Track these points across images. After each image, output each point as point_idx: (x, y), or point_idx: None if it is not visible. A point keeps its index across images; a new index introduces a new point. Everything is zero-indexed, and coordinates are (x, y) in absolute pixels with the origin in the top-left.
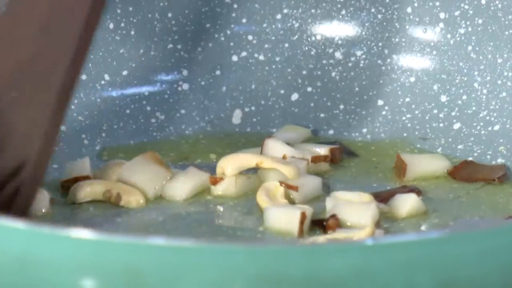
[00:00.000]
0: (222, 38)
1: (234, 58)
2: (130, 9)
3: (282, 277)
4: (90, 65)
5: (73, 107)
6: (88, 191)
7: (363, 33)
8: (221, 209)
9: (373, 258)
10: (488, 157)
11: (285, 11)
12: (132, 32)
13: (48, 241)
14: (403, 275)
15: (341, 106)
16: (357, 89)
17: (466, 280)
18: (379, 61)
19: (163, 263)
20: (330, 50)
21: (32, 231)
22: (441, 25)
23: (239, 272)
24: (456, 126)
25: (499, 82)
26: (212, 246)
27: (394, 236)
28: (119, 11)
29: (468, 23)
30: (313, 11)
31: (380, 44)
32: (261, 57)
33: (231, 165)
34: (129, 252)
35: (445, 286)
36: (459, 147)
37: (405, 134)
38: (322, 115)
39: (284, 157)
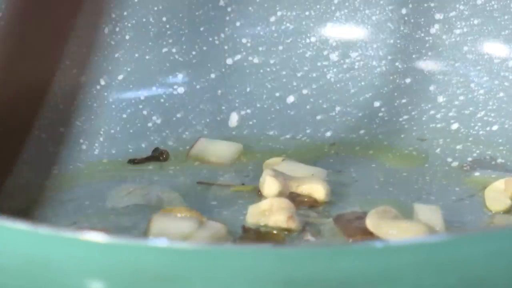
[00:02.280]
0: (217, 42)
1: (229, 61)
2: (125, 13)
3: (288, 279)
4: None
5: None
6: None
7: (358, 34)
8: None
9: (381, 260)
10: (487, 157)
11: (279, 13)
12: (127, 37)
13: (56, 243)
14: (410, 277)
15: (338, 108)
16: (353, 90)
17: (475, 282)
18: (374, 63)
19: (172, 266)
20: (325, 52)
21: (40, 233)
22: (437, 26)
23: (249, 274)
24: (454, 126)
25: (496, 82)
26: (217, 249)
27: (402, 238)
28: (113, 15)
29: (464, 23)
30: (307, 13)
31: (375, 45)
32: (256, 60)
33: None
34: (138, 255)
35: (453, 287)
36: (458, 147)
37: (402, 135)
38: (318, 117)
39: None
